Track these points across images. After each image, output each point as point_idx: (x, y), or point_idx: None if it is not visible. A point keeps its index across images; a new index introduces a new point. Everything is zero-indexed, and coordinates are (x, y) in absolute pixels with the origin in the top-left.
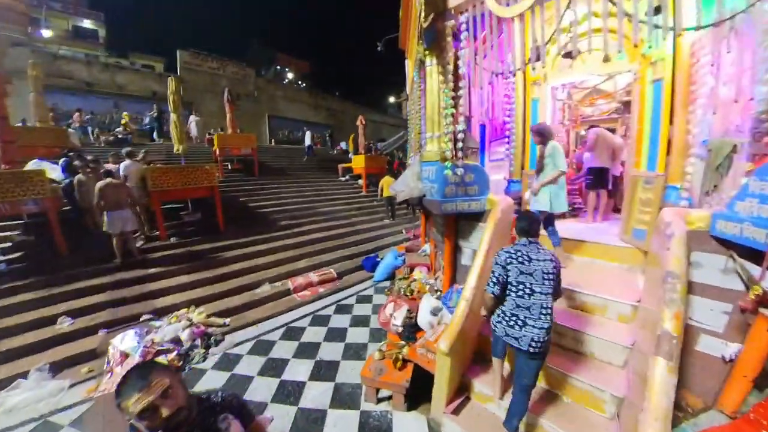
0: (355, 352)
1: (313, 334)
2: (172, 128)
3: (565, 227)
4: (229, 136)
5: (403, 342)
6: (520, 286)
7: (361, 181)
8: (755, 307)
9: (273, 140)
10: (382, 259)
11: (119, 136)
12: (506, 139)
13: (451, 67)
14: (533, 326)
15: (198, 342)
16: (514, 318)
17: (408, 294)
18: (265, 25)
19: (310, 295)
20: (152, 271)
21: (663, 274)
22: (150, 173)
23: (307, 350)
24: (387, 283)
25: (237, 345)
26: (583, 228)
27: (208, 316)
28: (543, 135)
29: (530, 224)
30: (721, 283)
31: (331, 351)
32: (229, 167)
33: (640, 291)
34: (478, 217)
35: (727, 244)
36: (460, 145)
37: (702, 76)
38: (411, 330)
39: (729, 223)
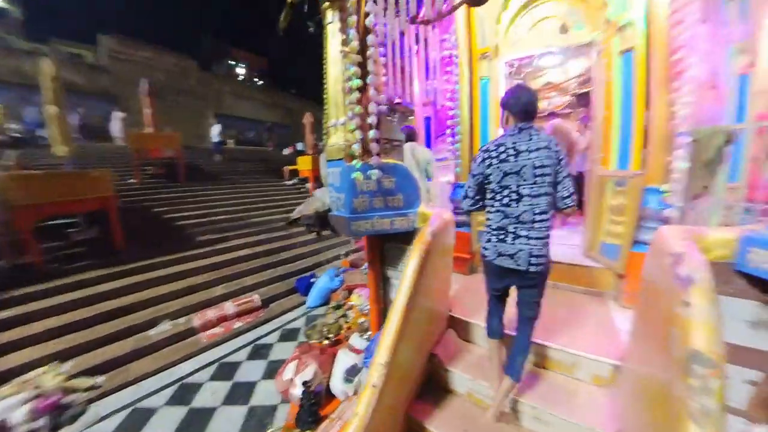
0: (259, 420)
1: (211, 394)
2: (49, 125)
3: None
4: (147, 136)
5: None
6: (505, 192)
7: (309, 185)
8: None
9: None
10: (317, 279)
11: (13, 135)
12: (449, 131)
13: (354, 20)
14: (527, 237)
15: (43, 422)
16: (502, 232)
17: (329, 337)
18: (219, 18)
19: (222, 333)
20: (4, 315)
21: (682, 351)
22: (3, 183)
23: (195, 421)
24: (322, 310)
25: (103, 419)
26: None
27: (71, 376)
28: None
29: (522, 101)
30: (746, 340)
31: (227, 420)
32: (150, 172)
33: (619, 336)
34: (408, 237)
35: (760, 284)
36: (373, 134)
37: (688, 40)
38: (312, 407)
39: None
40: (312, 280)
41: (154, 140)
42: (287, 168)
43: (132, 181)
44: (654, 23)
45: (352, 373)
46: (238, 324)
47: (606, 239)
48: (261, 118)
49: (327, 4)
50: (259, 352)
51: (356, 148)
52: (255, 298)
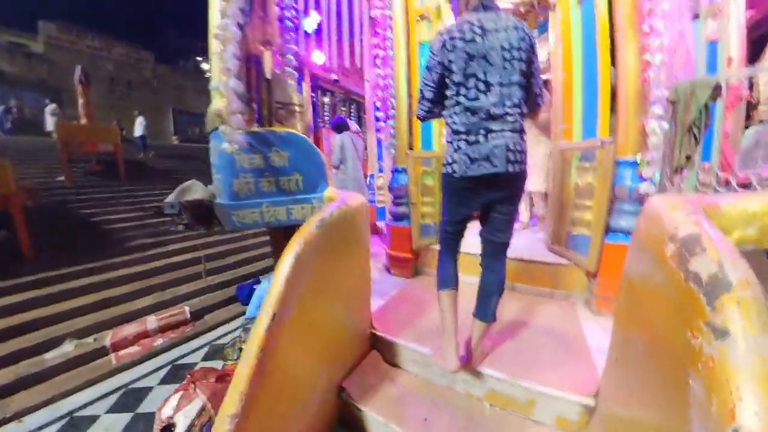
0: None
1: (104, 430)
2: None
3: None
4: (78, 128)
5: None
6: (471, 82)
7: None
8: None
9: (178, 138)
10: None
11: None
12: (378, 104)
13: None
14: (502, 131)
15: None
16: (471, 134)
17: None
18: (185, 12)
19: (138, 352)
20: None
21: (715, 428)
22: None
23: None
24: None
25: None
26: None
27: None
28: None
29: None
30: None
31: None
32: (85, 169)
33: (591, 358)
34: None
35: None
36: (233, 84)
37: None
38: None
39: None
40: (254, 286)
41: (86, 133)
42: None
43: (60, 178)
44: None
45: None
46: (159, 341)
47: (573, 229)
48: None
49: None
50: (177, 374)
51: (223, 109)
52: (184, 309)
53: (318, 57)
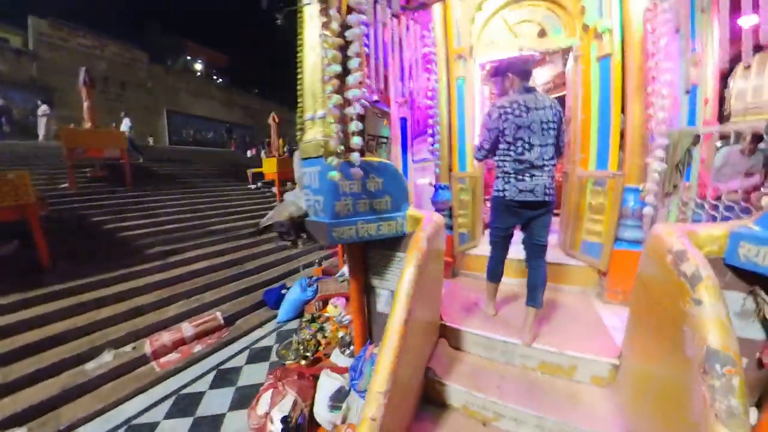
0: None
1: None
2: None
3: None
4: (84, 133)
5: None
6: (518, 143)
7: (274, 189)
8: None
9: (174, 140)
10: (288, 290)
11: None
12: (430, 131)
13: (336, 1)
14: (540, 176)
15: None
16: (519, 174)
17: (308, 355)
18: (175, 9)
19: (179, 359)
20: None
21: (699, 352)
22: None
23: None
24: (295, 323)
25: None
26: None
27: None
28: None
29: (525, 65)
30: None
31: None
32: (89, 175)
33: (610, 333)
34: (396, 243)
35: (747, 277)
36: (355, 126)
37: (662, 48)
38: None
39: (760, 248)
40: (282, 291)
41: (92, 138)
42: (251, 171)
43: (65, 185)
44: (629, 31)
45: (338, 398)
46: (198, 347)
47: (587, 237)
48: (221, 117)
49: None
50: (224, 377)
51: (335, 144)
52: (217, 315)
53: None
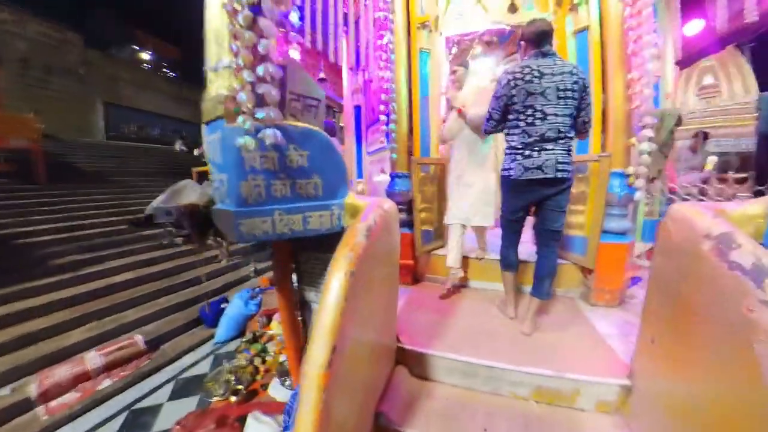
0: None
1: None
2: None
3: (469, 242)
4: None
5: None
6: (529, 111)
7: None
8: None
9: (111, 135)
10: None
11: None
12: (383, 108)
13: None
14: (553, 150)
15: None
16: (527, 149)
17: (239, 388)
18: None
19: (77, 400)
20: None
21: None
22: None
23: None
24: (236, 344)
25: None
26: (490, 238)
27: None
28: None
29: (534, 27)
30: None
31: None
32: None
33: (608, 345)
34: (334, 242)
35: None
36: (268, 88)
37: (644, 19)
38: None
39: None
40: (222, 306)
41: None
42: (196, 170)
43: None
44: (607, 1)
45: None
46: (106, 382)
47: (569, 232)
48: (169, 113)
49: None
50: (137, 421)
51: (243, 98)
52: (136, 339)
53: (294, 54)
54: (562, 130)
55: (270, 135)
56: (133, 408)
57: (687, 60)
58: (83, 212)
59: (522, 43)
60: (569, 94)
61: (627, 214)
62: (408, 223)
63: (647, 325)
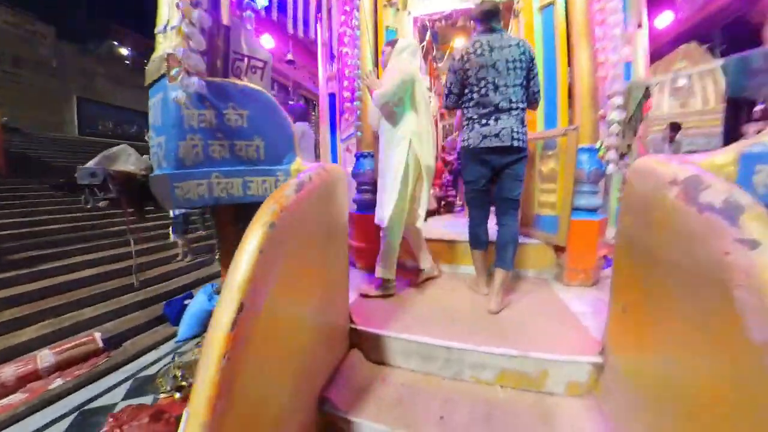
0: None
1: None
2: None
3: (441, 224)
4: None
5: None
6: (482, 83)
7: None
8: None
9: (86, 131)
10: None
11: None
12: (346, 84)
13: None
14: (508, 119)
15: None
16: (483, 118)
17: (183, 384)
18: None
19: (23, 401)
20: None
21: (765, 327)
22: None
23: None
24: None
25: None
26: (462, 225)
27: None
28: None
29: (481, 7)
30: None
31: None
32: None
33: (581, 323)
34: None
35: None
36: (192, 31)
37: None
38: None
39: None
40: (186, 302)
41: None
42: None
43: None
44: None
45: None
46: (58, 381)
47: (540, 211)
48: (146, 110)
49: None
50: (87, 422)
51: (181, 53)
52: (95, 337)
53: (268, 41)
54: (514, 100)
55: (191, 83)
56: (83, 409)
57: (658, 50)
58: (43, 207)
59: (471, 21)
60: (518, 65)
61: (598, 191)
62: (372, 204)
63: (617, 293)
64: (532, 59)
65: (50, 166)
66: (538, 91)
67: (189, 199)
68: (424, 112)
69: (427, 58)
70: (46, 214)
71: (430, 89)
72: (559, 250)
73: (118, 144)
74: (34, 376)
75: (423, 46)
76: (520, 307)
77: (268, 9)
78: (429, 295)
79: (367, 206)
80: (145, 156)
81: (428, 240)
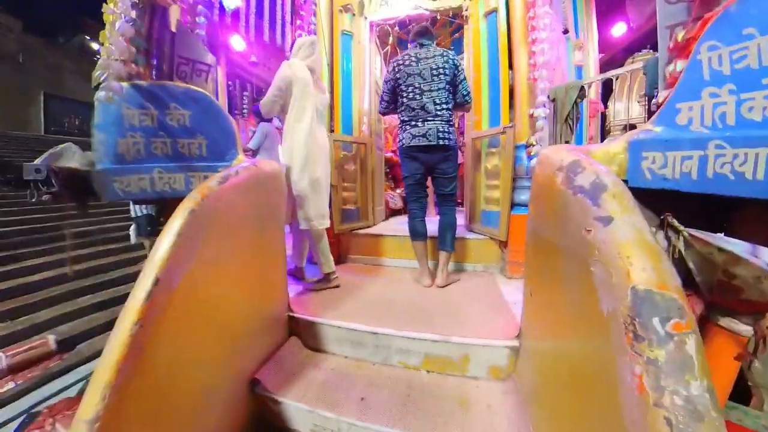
0: None
1: None
2: None
3: (398, 223)
4: None
5: None
6: (410, 89)
7: None
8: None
9: (52, 129)
10: None
11: None
12: None
13: None
14: (433, 120)
15: None
16: (413, 120)
17: None
18: None
19: None
20: None
21: (620, 302)
22: None
23: None
24: None
25: None
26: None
27: None
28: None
29: (422, 28)
30: None
31: None
32: None
33: (511, 311)
34: None
35: (658, 202)
36: (116, 40)
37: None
38: None
39: (671, 155)
40: None
41: None
42: None
43: None
44: None
45: None
46: (10, 384)
47: (485, 207)
48: None
49: None
50: (33, 423)
51: (113, 49)
52: (48, 339)
53: (238, 43)
54: (438, 102)
55: (112, 87)
56: (32, 411)
57: (614, 58)
58: (6, 208)
59: (413, 34)
60: (441, 71)
61: None
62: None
63: (528, 279)
64: (456, 66)
65: (11, 166)
66: (468, 93)
67: (129, 192)
68: (314, 117)
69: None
70: (2, 215)
71: None
72: (502, 244)
73: (87, 141)
74: None
75: (386, 50)
76: (457, 298)
77: (235, 13)
78: (372, 287)
79: None
80: (88, 153)
81: (382, 236)
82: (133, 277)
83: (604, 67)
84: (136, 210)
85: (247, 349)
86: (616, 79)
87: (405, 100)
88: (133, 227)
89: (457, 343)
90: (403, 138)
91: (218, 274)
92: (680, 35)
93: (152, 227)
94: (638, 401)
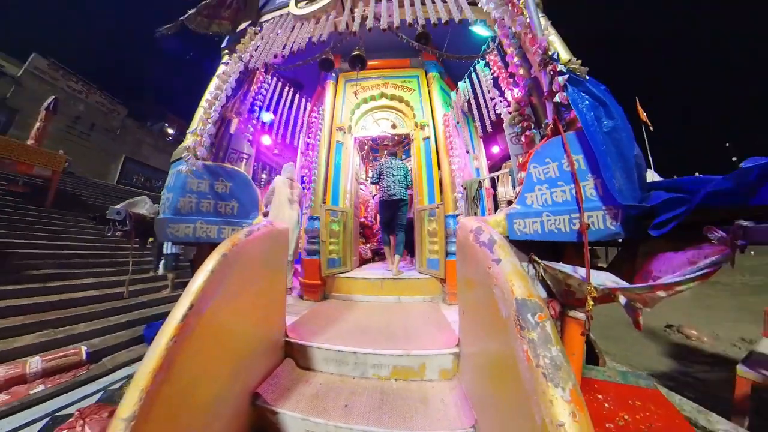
0: None
1: None
2: None
3: (370, 269)
4: (19, 146)
5: None
6: (386, 176)
7: None
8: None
9: (122, 182)
10: None
11: None
12: (305, 172)
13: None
14: (397, 188)
15: None
16: (387, 189)
17: None
18: (166, 84)
19: (4, 402)
20: None
21: (511, 307)
22: None
23: None
24: None
25: None
26: (383, 269)
27: None
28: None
29: (393, 150)
30: None
31: None
32: (6, 188)
33: (451, 327)
34: None
35: (525, 248)
36: (208, 141)
37: (451, 133)
38: None
39: (526, 221)
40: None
41: (27, 153)
42: None
43: None
44: (437, 124)
45: None
46: (39, 387)
47: (430, 255)
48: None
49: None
50: (55, 427)
51: (190, 141)
52: (80, 350)
53: (266, 139)
54: (398, 183)
55: (194, 163)
56: (55, 415)
57: (497, 164)
58: (71, 235)
59: (386, 152)
60: (401, 172)
61: None
62: (317, 252)
63: (460, 302)
64: (408, 171)
65: (86, 203)
66: (411, 183)
67: (176, 236)
68: (285, 205)
69: (365, 161)
70: (69, 240)
71: (365, 178)
72: (442, 281)
73: (146, 193)
74: (21, 379)
75: (363, 153)
76: (414, 321)
77: (271, 124)
78: (351, 317)
79: (313, 253)
80: (156, 204)
81: (357, 279)
82: (156, 303)
83: (491, 169)
84: (167, 248)
85: (251, 368)
86: (497, 177)
87: (384, 182)
88: (162, 262)
89: (416, 354)
90: (383, 197)
91: (235, 305)
92: (520, 159)
93: (176, 263)
94: (528, 367)
